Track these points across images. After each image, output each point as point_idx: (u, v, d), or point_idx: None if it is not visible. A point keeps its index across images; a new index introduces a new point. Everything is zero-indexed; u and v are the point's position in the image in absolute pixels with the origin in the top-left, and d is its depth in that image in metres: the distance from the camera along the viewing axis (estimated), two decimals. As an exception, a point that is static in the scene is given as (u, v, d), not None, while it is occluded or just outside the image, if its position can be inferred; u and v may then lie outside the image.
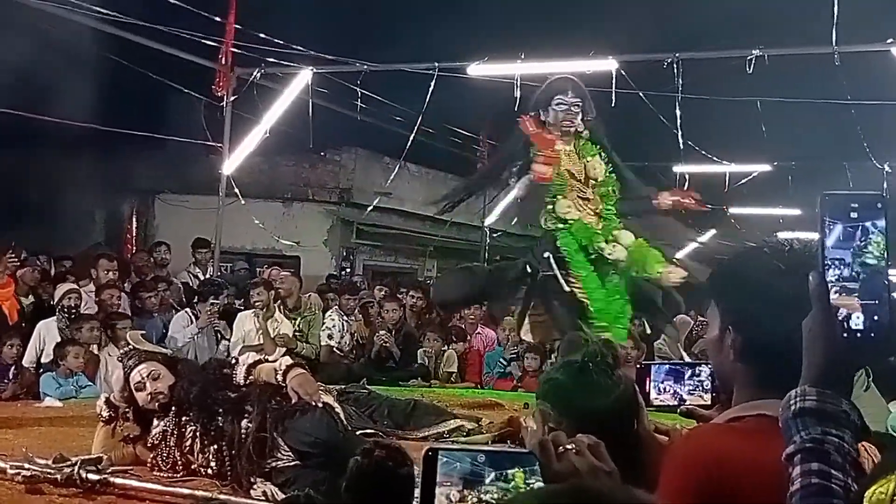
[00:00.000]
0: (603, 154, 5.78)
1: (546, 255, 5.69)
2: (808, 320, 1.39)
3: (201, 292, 9.21)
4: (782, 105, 11.30)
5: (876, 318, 1.33)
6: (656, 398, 2.08)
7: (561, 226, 5.66)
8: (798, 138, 14.10)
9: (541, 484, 1.38)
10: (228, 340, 8.63)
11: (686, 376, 2.07)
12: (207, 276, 10.51)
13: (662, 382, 2.07)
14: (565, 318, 5.67)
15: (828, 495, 1.27)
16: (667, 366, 2.11)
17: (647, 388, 2.04)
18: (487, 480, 1.38)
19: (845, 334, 1.34)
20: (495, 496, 1.37)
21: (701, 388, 2.07)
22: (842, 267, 1.36)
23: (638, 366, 2.10)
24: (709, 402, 2.05)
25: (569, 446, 1.39)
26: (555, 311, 5.77)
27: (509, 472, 1.38)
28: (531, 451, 1.39)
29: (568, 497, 1.11)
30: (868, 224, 1.35)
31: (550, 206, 5.67)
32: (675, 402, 2.09)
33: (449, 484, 1.37)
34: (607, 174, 5.71)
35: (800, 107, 11.69)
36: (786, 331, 1.58)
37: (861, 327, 1.34)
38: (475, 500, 1.37)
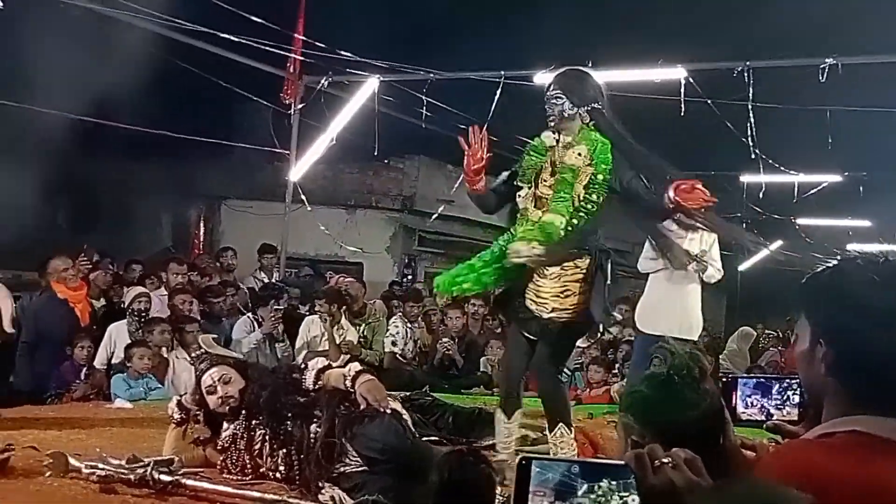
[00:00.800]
0: (598, 146, 5.40)
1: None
2: None
3: (263, 297, 9.33)
4: (854, 114, 11.06)
5: None
6: (743, 412, 2.03)
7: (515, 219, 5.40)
8: (870, 148, 13.77)
9: (635, 498, 1.35)
10: (283, 342, 8.69)
11: (774, 390, 2.02)
12: (272, 280, 10.63)
13: (749, 396, 2.02)
14: None
15: None
16: (754, 380, 2.05)
17: (734, 401, 1.99)
18: (580, 492, 1.35)
19: None
20: None
21: (789, 402, 2.02)
22: None
23: (724, 379, 2.04)
24: (796, 418, 2.00)
25: (665, 460, 1.37)
26: None
27: (603, 483, 1.36)
28: (626, 463, 1.37)
29: None
30: None
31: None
32: (763, 417, 2.04)
33: (542, 494, 1.35)
34: (586, 165, 5.33)
35: (872, 116, 11.44)
36: (880, 345, 1.53)
37: None
38: None
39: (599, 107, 5.30)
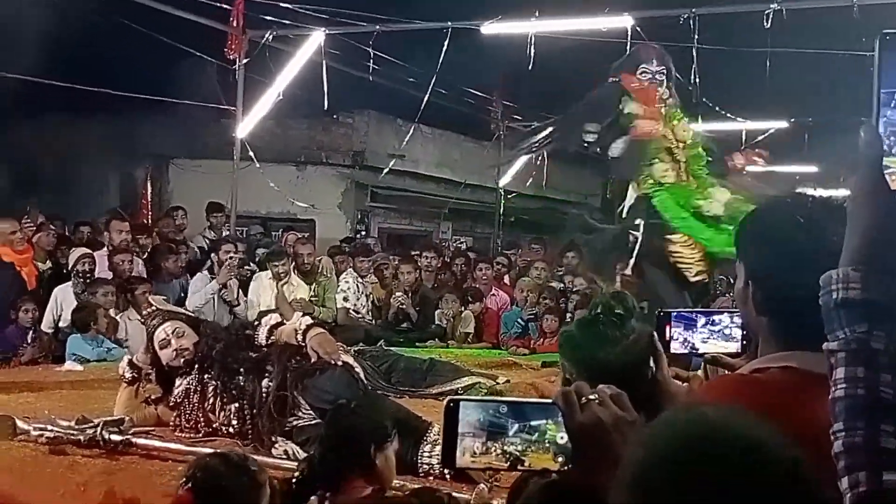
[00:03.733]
0: (687, 119, 5.81)
1: (637, 221, 5.73)
2: (854, 184, 1.27)
3: (213, 246, 9.25)
4: (799, 60, 11.14)
5: None
6: (675, 347, 2.06)
7: (658, 188, 5.69)
8: (815, 94, 13.93)
9: (563, 436, 1.37)
10: (238, 305, 8.63)
11: (699, 325, 2.04)
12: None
13: (673, 329, 2.05)
14: (659, 282, 5.71)
15: (876, 407, 1.19)
16: (684, 313, 2.08)
17: (668, 335, 2.02)
18: (511, 432, 1.37)
19: None
20: (519, 448, 1.37)
21: (717, 336, 2.05)
22: None
23: (659, 313, 2.08)
24: (735, 351, 2.03)
25: (591, 396, 1.38)
26: (648, 275, 5.80)
27: (533, 423, 1.38)
28: (554, 401, 1.38)
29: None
30: None
31: (646, 171, 5.71)
32: (685, 351, 2.07)
33: (472, 435, 1.37)
34: (694, 137, 5.74)
35: (817, 62, 11.53)
36: (804, 285, 1.56)
37: None
38: (499, 451, 1.37)
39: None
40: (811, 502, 0.93)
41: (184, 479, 2.68)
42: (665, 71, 5.65)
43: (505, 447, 1.37)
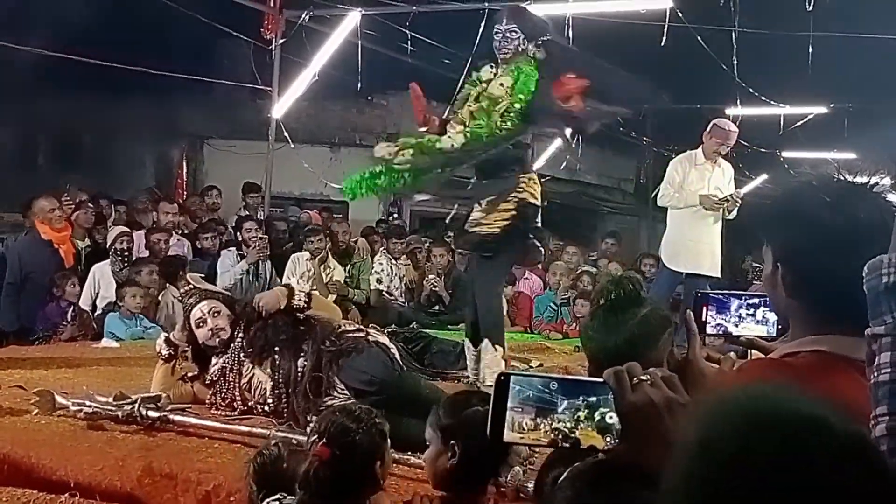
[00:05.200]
0: (521, 76, 5.56)
1: None
2: None
3: (237, 225, 9.32)
4: (840, 45, 10.97)
5: None
6: (710, 328, 2.05)
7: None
8: (855, 79, 13.71)
9: (613, 415, 1.36)
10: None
11: (732, 308, 2.03)
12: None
13: (718, 313, 2.04)
14: None
15: None
16: (720, 296, 2.06)
17: (704, 317, 2.01)
18: (560, 409, 1.36)
19: None
20: (568, 425, 1.35)
21: (750, 319, 2.03)
22: None
23: (697, 294, 2.07)
24: (764, 334, 2.01)
25: (643, 377, 1.37)
26: None
27: (583, 401, 1.36)
28: (605, 380, 1.37)
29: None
30: None
31: None
32: (719, 333, 2.06)
33: (520, 411, 1.35)
34: (506, 94, 5.52)
35: (858, 46, 11.34)
36: (834, 266, 1.53)
37: None
38: (548, 427, 1.35)
39: (550, 38, 5.53)
40: (878, 474, 0.92)
41: (315, 436, 2.79)
42: (517, 28, 5.53)
43: (554, 424, 1.35)
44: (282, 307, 4.64)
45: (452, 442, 2.62)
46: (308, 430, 4.24)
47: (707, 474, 0.93)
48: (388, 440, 2.88)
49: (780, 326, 1.93)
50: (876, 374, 1.22)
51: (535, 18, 5.87)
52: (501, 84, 5.43)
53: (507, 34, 5.50)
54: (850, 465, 0.90)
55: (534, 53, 5.50)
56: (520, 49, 5.49)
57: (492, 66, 5.60)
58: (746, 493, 0.91)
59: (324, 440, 2.74)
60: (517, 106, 5.32)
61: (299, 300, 4.68)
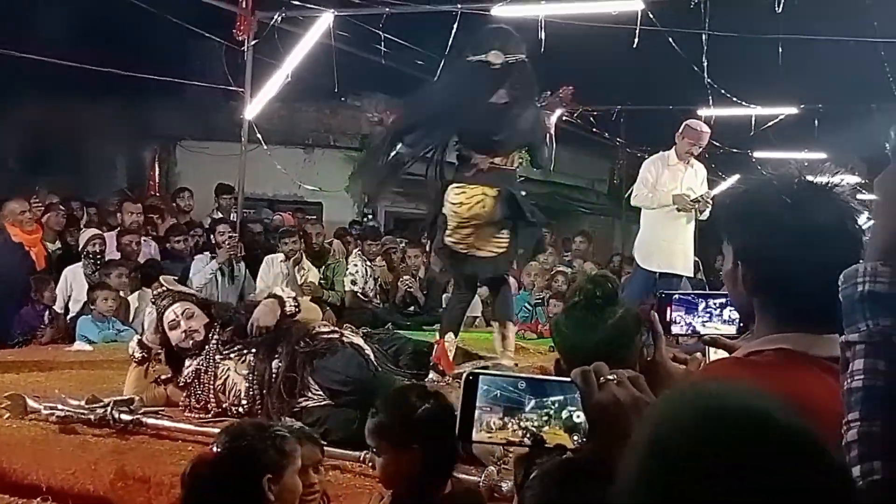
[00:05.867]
0: None
1: None
2: (881, 182, 1.30)
3: (210, 227, 9.28)
4: (810, 46, 11.08)
5: None
6: (675, 328, 2.07)
7: None
8: (826, 80, 13.85)
9: (580, 414, 1.38)
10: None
11: (700, 308, 2.05)
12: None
13: (673, 313, 2.06)
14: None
15: (894, 399, 1.21)
16: (686, 296, 2.09)
17: (668, 317, 2.03)
18: (528, 408, 1.38)
19: None
20: (536, 424, 1.37)
21: (717, 319, 2.06)
22: None
23: (660, 295, 2.09)
24: (733, 333, 2.04)
25: (610, 376, 1.39)
26: None
27: (550, 400, 1.38)
28: (572, 379, 1.39)
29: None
30: None
31: None
32: (688, 332, 2.09)
33: (489, 410, 1.37)
34: None
35: (828, 48, 11.46)
36: (794, 264, 1.56)
37: None
38: (515, 427, 1.37)
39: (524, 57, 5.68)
40: (827, 470, 0.94)
41: (214, 443, 2.69)
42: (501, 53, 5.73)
43: (521, 423, 1.37)
44: (277, 318, 4.63)
45: (414, 446, 2.58)
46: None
47: (657, 474, 0.95)
48: (297, 464, 2.66)
49: (741, 325, 1.96)
50: (849, 381, 1.24)
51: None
52: None
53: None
54: (799, 462, 0.92)
55: None
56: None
57: None
58: (697, 492, 0.92)
59: (218, 448, 2.65)
60: None
61: (290, 307, 4.69)
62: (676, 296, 2.05)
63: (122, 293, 7.48)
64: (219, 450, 2.63)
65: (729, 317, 2.01)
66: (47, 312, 7.36)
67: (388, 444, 2.63)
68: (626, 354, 1.98)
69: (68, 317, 7.52)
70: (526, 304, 9.43)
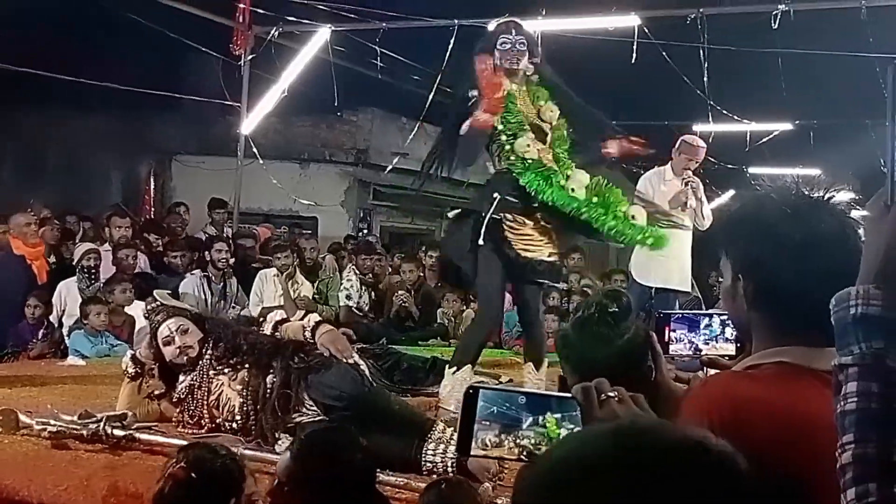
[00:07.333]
0: (555, 99, 5.64)
1: (495, 195, 5.47)
2: (873, 203, 1.29)
3: (206, 244, 9.24)
4: (805, 63, 11.13)
5: None
6: (675, 348, 2.06)
7: (520, 165, 5.42)
8: (821, 96, 13.91)
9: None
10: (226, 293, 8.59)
11: (701, 326, 2.04)
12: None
13: (676, 332, 2.05)
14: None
15: (891, 421, 1.20)
16: (686, 315, 2.08)
17: (667, 337, 2.02)
18: (525, 425, 1.36)
19: None
20: (532, 441, 1.35)
21: (719, 338, 2.04)
22: None
23: (658, 314, 2.08)
24: (732, 353, 2.03)
25: (611, 394, 1.37)
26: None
27: (549, 417, 1.36)
28: (573, 396, 1.37)
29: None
30: None
31: (508, 146, 5.47)
32: (690, 352, 2.07)
33: (487, 425, 1.35)
34: (559, 120, 5.60)
35: (823, 64, 11.51)
36: (794, 277, 1.55)
37: None
38: (512, 444, 1.35)
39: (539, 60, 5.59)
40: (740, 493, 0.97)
41: (175, 462, 2.79)
42: (525, 41, 5.52)
43: (518, 440, 1.35)
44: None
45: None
46: (275, 447, 4.24)
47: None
48: (250, 481, 2.82)
49: (739, 344, 1.94)
50: (843, 404, 1.24)
51: (533, 37, 5.87)
52: (552, 111, 5.56)
53: (518, 45, 5.50)
54: (677, 458, 0.96)
55: (531, 73, 5.60)
56: (528, 71, 5.56)
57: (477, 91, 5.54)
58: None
59: (182, 463, 2.76)
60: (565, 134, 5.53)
61: (308, 324, 4.71)
62: (675, 315, 2.04)
63: (126, 309, 7.42)
64: (191, 472, 2.71)
65: (728, 335, 2.00)
66: (43, 327, 7.31)
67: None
68: (636, 370, 1.96)
69: (63, 331, 7.47)
70: (521, 320, 9.39)
